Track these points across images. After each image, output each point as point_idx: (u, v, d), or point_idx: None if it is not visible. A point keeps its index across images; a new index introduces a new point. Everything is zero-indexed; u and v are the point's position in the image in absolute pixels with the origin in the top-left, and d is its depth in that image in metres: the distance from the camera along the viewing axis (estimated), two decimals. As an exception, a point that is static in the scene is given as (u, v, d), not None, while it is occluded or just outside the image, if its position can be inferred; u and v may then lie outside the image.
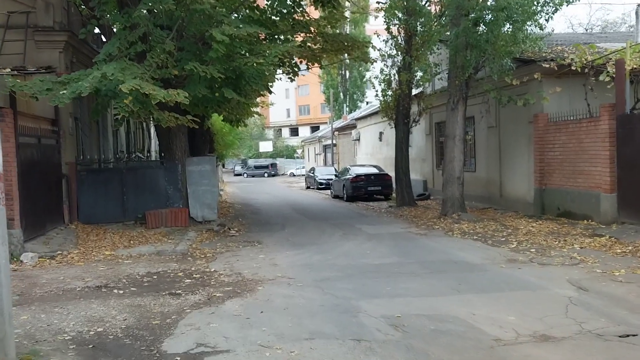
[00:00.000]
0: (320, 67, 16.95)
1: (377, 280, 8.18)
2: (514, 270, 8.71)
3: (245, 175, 66.43)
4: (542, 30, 14.97)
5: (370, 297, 7.19)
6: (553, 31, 16.64)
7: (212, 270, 9.29)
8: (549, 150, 15.04)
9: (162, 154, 14.84)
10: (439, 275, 8.50)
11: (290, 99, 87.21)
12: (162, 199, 14.61)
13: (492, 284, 7.83)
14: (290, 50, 13.29)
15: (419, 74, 19.83)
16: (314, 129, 74.86)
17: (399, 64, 20.13)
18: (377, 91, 20.69)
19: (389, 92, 20.37)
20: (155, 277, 8.90)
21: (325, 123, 67.23)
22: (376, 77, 20.39)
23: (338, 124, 48.72)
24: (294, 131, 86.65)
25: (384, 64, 20.09)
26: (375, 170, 25.36)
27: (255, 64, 12.55)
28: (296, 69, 17.19)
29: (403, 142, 20.15)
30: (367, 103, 59.24)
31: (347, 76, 66.07)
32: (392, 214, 18.00)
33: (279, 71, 17.62)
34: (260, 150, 74.93)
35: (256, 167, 67.29)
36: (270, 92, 16.46)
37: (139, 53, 12.18)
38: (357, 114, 46.27)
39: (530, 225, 13.43)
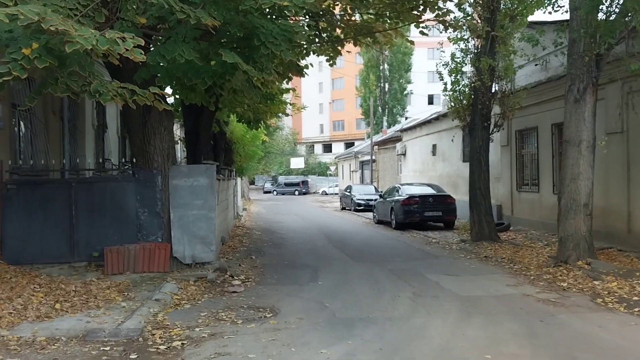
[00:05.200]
0: (372, 41, 11.78)
1: None
2: None
3: (275, 192, 61.77)
4: None
5: None
6: None
7: (154, 414, 4.06)
8: None
9: (134, 160, 9.80)
10: None
11: (324, 114, 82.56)
12: (131, 229, 9.51)
13: None
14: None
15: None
16: (349, 145, 69.69)
17: (474, 50, 14.92)
18: (445, 84, 15.35)
19: (462, 86, 15.06)
20: None
21: (361, 139, 62.17)
22: (445, 65, 15.08)
23: (377, 138, 43.44)
24: (327, 147, 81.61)
25: (458, 48, 14.86)
26: (432, 191, 19.94)
27: (276, 9, 7.46)
28: (338, 47, 12.02)
29: (482, 153, 14.71)
30: (406, 118, 53.98)
31: (387, 88, 60.90)
32: (471, 254, 12.53)
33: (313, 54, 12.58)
34: (292, 166, 70.10)
35: (286, 185, 62.64)
36: (302, 74, 11.36)
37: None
38: (400, 126, 40.97)
39: None
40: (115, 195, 9.57)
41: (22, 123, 10.87)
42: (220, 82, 8.86)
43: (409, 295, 8.19)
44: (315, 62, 13.38)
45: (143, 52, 5.95)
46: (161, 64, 8.26)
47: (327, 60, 12.88)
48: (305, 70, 12.31)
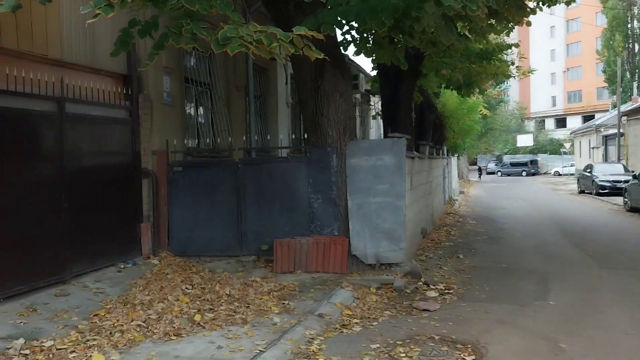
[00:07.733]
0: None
1: None
2: None
3: (499, 173, 57.16)
4: None
5: None
6: None
7: None
8: None
9: (305, 136, 8.11)
10: None
11: (557, 84, 73.97)
12: (303, 219, 7.86)
13: None
14: None
15: None
16: (587, 118, 61.04)
17: None
18: None
19: None
20: None
21: (604, 111, 53.61)
22: None
23: (625, 107, 36.42)
24: (561, 122, 72.99)
25: None
26: None
27: None
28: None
29: None
30: (661, 84, 44.67)
31: (637, 49, 51.27)
32: None
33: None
34: (518, 144, 64.07)
35: (512, 165, 57.44)
36: (527, 16, 8.50)
37: None
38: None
39: None
40: (285, 177, 7.99)
41: (199, 100, 9.99)
42: (408, 25, 6.59)
43: None
44: (545, 21, 10.19)
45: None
46: (330, 8, 6.42)
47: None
48: (532, 14, 9.31)
